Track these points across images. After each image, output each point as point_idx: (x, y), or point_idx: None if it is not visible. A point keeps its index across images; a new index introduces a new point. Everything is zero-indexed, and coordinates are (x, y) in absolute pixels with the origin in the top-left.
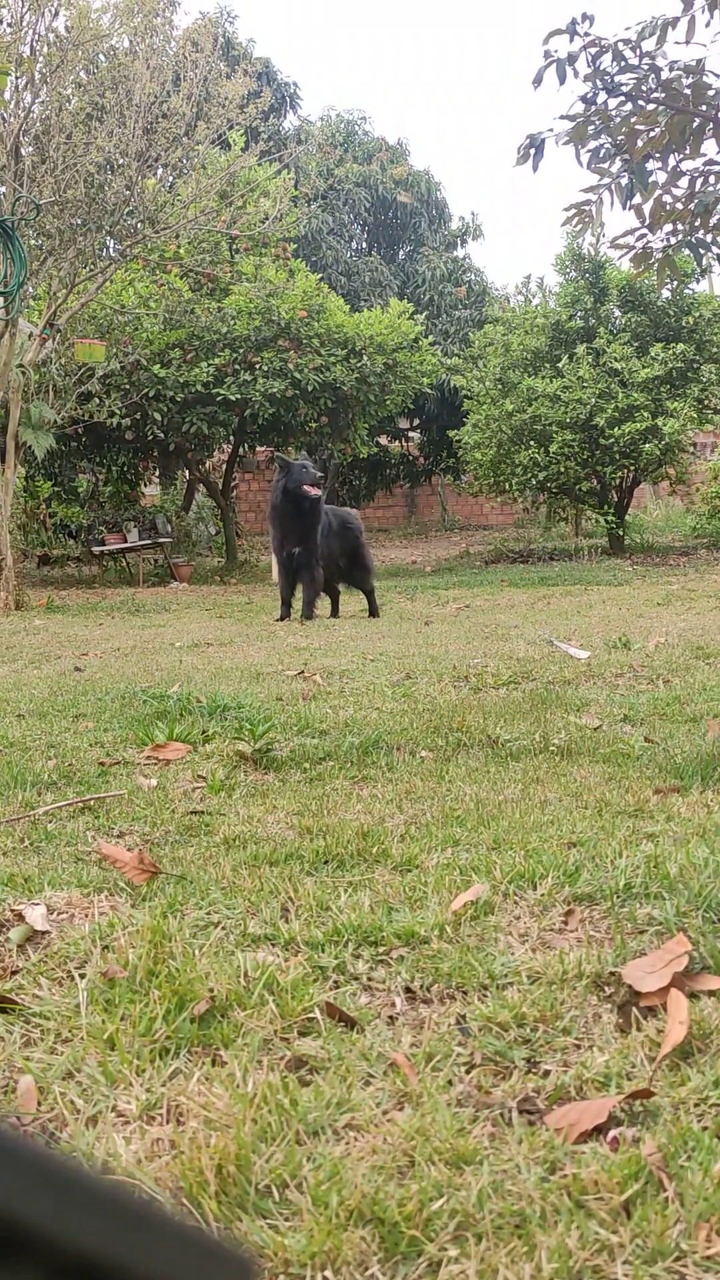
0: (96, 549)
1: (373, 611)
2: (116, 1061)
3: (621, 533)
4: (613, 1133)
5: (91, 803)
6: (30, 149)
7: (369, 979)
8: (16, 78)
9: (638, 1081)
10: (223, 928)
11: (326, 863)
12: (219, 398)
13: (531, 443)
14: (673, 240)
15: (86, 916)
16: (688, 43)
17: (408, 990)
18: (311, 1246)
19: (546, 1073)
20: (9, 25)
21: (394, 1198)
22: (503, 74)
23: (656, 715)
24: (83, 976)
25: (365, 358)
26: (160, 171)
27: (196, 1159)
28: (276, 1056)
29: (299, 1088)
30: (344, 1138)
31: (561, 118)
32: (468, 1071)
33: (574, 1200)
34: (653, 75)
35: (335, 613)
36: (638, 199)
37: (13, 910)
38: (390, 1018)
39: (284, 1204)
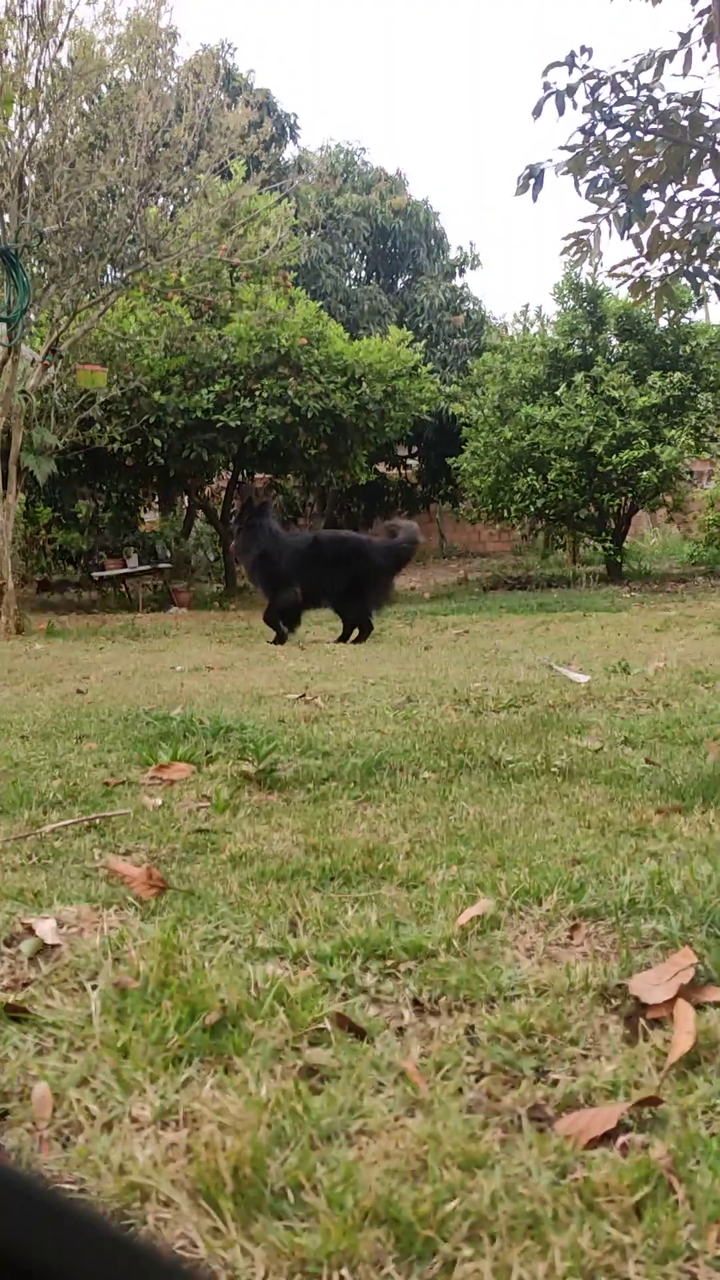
0: (96, 574)
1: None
2: (130, 1069)
3: (619, 560)
4: (622, 1138)
5: (97, 821)
6: (34, 177)
7: (377, 991)
8: (21, 107)
9: (646, 1090)
10: (232, 941)
11: (333, 879)
12: (219, 424)
13: (530, 470)
14: (670, 270)
15: (96, 930)
16: (685, 75)
17: (416, 1002)
18: (328, 1246)
19: (555, 1081)
20: (14, 56)
21: (408, 1199)
22: (501, 106)
23: (657, 738)
24: (94, 987)
25: (365, 385)
26: (162, 200)
27: (213, 1161)
28: (288, 1065)
29: (311, 1095)
30: (357, 1142)
31: (561, 148)
32: (477, 1080)
33: (585, 1202)
34: (650, 107)
35: (347, 636)
36: (635, 229)
37: (23, 923)
38: (399, 1028)
39: (300, 1205)
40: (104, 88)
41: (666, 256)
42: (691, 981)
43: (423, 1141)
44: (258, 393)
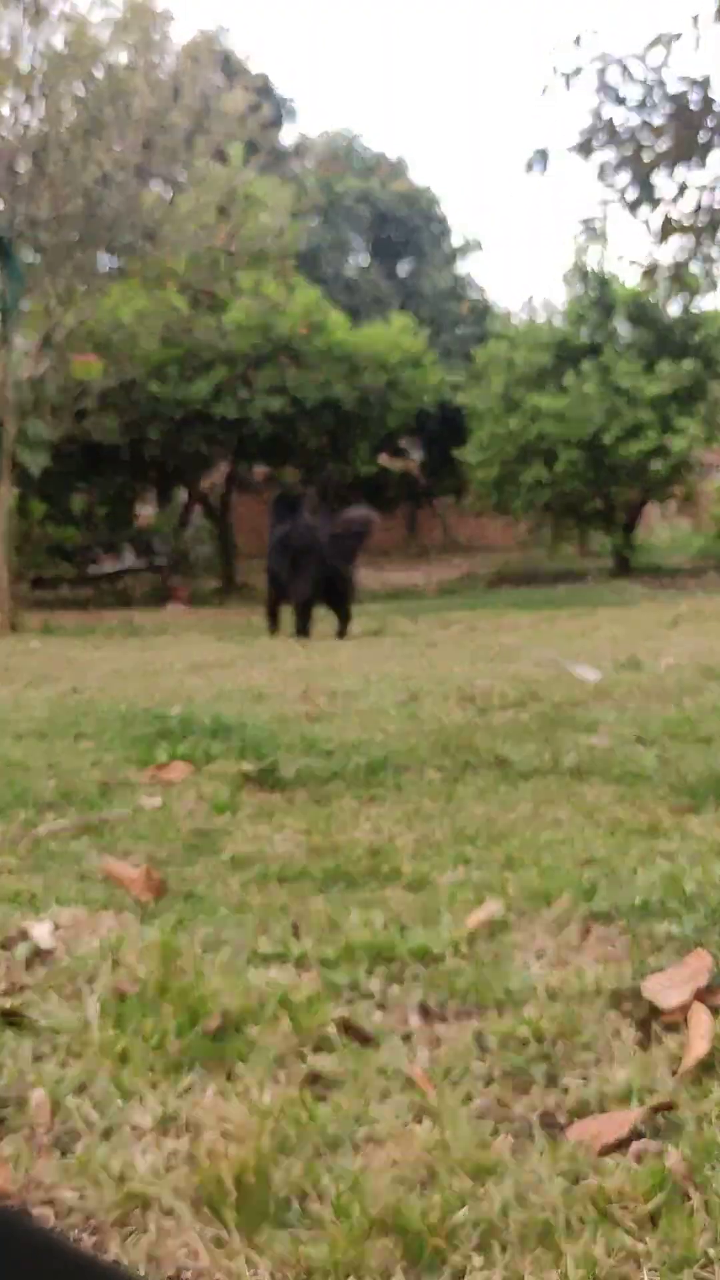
0: (92, 571)
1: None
2: (129, 1075)
3: (628, 553)
4: (636, 1145)
5: (94, 822)
6: (28, 163)
7: (383, 996)
8: (15, 92)
9: (660, 1095)
10: (233, 945)
11: (336, 881)
12: (217, 416)
13: (536, 461)
14: (681, 255)
15: (94, 933)
16: (695, 52)
17: (423, 1007)
18: (334, 1255)
19: (567, 1088)
20: (7, 39)
21: (416, 1208)
22: (505, 92)
23: (668, 735)
24: (92, 992)
25: (366, 374)
26: (158, 186)
27: (215, 1170)
28: (292, 1072)
29: (316, 1102)
30: (363, 1150)
31: (569, 130)
32: (486, 1086)
33: (599, 1210)
34: (659, 88)
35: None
36: (645, 212)
37: (18, 927)
38: (406, 1034)
39: (305, 1214)
40: (99, 72)
41: (677, 242)
42: (707, 985)
43: (431, 1149)
44: (257, 383)
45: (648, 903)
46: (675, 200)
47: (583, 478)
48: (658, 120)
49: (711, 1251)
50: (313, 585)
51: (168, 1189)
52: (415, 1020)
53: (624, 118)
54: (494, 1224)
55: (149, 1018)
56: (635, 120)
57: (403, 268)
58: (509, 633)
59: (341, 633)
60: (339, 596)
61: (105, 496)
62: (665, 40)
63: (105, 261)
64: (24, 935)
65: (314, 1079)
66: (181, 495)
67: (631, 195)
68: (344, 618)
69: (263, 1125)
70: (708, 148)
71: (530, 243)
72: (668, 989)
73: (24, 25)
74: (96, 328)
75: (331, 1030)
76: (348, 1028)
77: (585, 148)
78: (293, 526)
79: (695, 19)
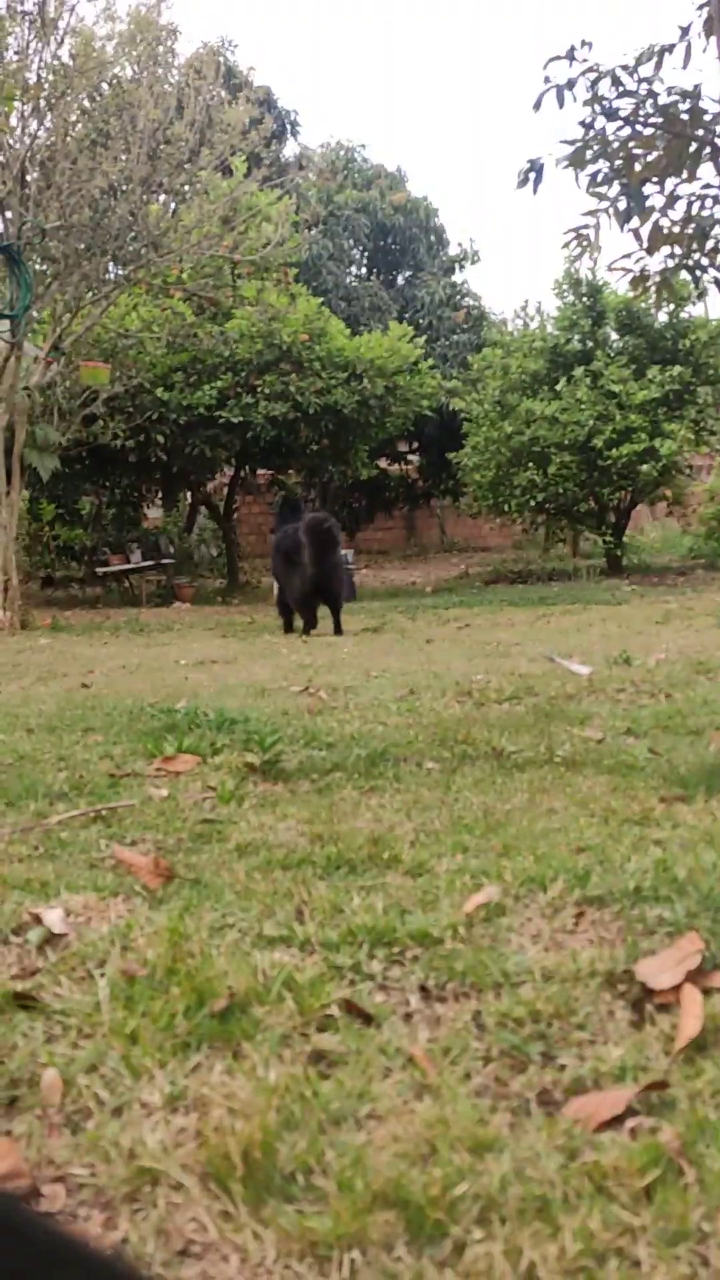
0: (100, 570)
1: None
2: (139, 1055)
3: (619, 553)
4: (630, 1122)
5: (103, 812)
6: (36, 174)
7: (384, 978)
8: (22, 104)
9: (653, 1074)
10: (239, 929)
11: (338, 868)
12: (221, 420)
13: (530, 464)
14: (670, 264)
15: (104, 919)
16: (685, 68)
17: (423, 988)
18: (338, 1228)
19: (563, 1066)
20: (15, 53)
21: (418, 1182)
22: (500, 102)
23: (659, 728)
24: (102, 975)
25: (366, 381)
26: (163, 197)
27: (222, 1145)
28: (296, 1050)
29: (320, 1079)
30: (366, 1126)
31: (561, 142)
32: (485, 1065)
33: (595, 1185)
34: (650, 100)
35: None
36: (635, 223)
37: (30, 913)
38: (406, 1014)
39: (310, 1188)
40: (105, 85)
41: (666, 250)
42: (698, 967)
43: (431, 1125)
44: (260, 389)
45: (640, 888)
46: (665, 210)
47: (575, 480)
48: (648, 132)
49: (706, 1226)
50: (306, 583)
51: (176, 1164)
52: (415, 1001)
53: (615, 129)
54: (493, 1198)
55: (158, 999)
56: (626, 132)
57: (401, 277)
58: (504, 630)
59: (336, 627)
60: (329, 593)
61: (113, 498)
62: (656, 52)
63: (112, 270)
64: (37, 921)
65: (318, 1057)
66: (187, 497)
67: (622, 206)
68: (334, 610)
69: (268, 1102)
70: (697, 159)
71: (525, 251)
72: (660, 971)
73: (31, 39)
74: (104, 335)
75: (335, 1010)
76: (350, 1008)
77: (577, 159)
78: (284, 530)
79: (685, 29)
